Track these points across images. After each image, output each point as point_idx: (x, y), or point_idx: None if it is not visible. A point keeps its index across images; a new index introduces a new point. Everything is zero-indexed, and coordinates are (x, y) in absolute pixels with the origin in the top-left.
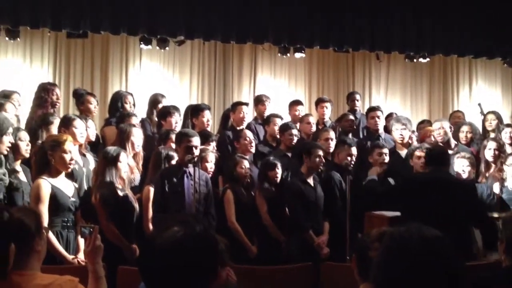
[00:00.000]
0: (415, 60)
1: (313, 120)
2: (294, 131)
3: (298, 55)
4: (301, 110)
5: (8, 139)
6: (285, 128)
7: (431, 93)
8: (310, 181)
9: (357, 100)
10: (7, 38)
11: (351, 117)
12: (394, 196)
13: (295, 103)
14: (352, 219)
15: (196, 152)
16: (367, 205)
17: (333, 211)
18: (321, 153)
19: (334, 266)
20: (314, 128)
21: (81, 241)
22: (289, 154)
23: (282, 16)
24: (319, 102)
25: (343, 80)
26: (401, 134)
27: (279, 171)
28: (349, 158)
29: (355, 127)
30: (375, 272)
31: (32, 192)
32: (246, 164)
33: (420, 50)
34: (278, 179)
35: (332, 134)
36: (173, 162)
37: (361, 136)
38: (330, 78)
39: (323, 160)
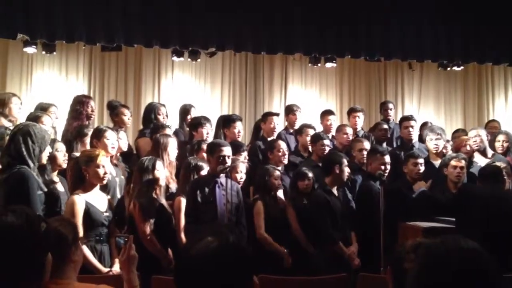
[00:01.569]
0: (448, 69)
1: (350, 131)
2: (326, 142)
3: (329, 65)
4: (333, 120)
5: (48, 151)
6: (317, 138)
7: (466, 102)
8: (335, 191)
9: (391, 110)
10: (43, 52)
11: (385, 126)
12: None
13: (326, 113)
14: (386, 229)
15: (228, 162)
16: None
17: (372, 222)
18: (346, 164)
19: (369, 277)
20: (350, 139)
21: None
22: (321, 165)
23: (313, 26)
24: (351, 111)
25: (374, 90)
26: (435, 144)
27: (309, 181)
28: (382, 167)
29: (388, 136)
30: (411, 284)
31: (66, 208)
32: (278, 175)
33: (453, 58)
34: (309, 189)
35: (366, 145)
36: (203, 172)
37: (394, 145)
38: (362, 88)
39: (348, 172)
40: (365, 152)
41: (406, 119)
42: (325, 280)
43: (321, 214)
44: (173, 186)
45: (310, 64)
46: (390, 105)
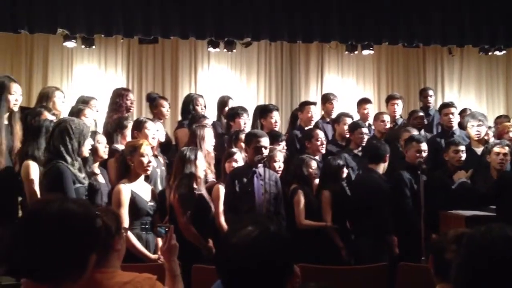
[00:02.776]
0: (490, 53)
1: (387, 118)
2: (364, 130)
3: (366, 52)
4: (370, 108)
5: (89, 143)
6: (355, 127)
7: (508, 87)
8: None
9: (430, 96)
10: (83, 46)
11: (421, 113)
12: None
13: (364, 101)
14: (426, 218)
15: (266, 152)
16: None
17: (403, 211)
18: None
19: (410, 267)
20: (388, 127)
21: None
22: (359, 153)
23: (349, 13)
24: (390, 99)
25: (413, 77)
26: (477, 131)
27: (345, 170)
28: (418, 155)
29: (425, 123)
30: (456, 274)
31: (113, 197)
32: (314, 164)
33: (495, 42)
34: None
35: (415, 131)
36: (235, 159)
37: (434, 133)
38: (400, 75)
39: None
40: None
41: (446, 106)
42: (366, 269)
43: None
44: (211, 177)
45: (346, 52)
46: (430, 92)
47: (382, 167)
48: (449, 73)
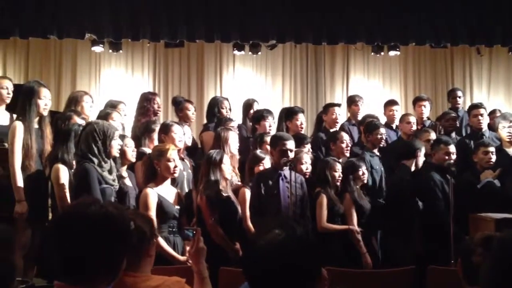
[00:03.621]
0: None
1: (413, 119)
2: (382, 130)
3: (392, 53)
4: (396, 110)
5: (117, 143)
6: (372, 127)
7: None
8: None
9: (459, 97)
10: (110, 51)
11: (454, 115)
12: None
13: (390, 103)
14: (456, 220)
15: (291, 155)
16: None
17: (435, 213)
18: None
19: (439, 270)
20: (414, 128)
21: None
22: (378, 154)
23: (375, 13)
24: (417, 100)
25: (441, 77)
26: (509, 132)
27: (366, 172)
28: (446, 157)
29: (457, 125)
30: (486, 277)
31: (140, 201)
32: (339, 167)
33: None
34: (364, 181)
35: (433, 135)
36: (263, 164)
37: (463, 134)
38: (427, 76)
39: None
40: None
41: (475, 107)
42: (393, 273)
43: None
44: (235, 180)
45: (372, 53)
46: (459, 93)
47: (413, 163)
48: (477, 73)
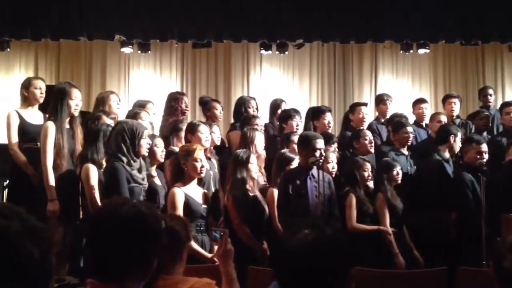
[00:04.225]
0: None
1: (444, 118)
2: (409, 129)
3: (421, 51)
4: (425, 108)
5: (146, 142)
6: (399, 126)
7: None
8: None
9: (490, 95)
10: (139, 51)
11: (486, 113)
12: None
13: (419, 101)
14: (488, 221)
15: (318, 154)
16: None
17: (465, 213)
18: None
19: (470, 271)
20: None
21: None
22: (405, 152)
23: (403, 11)
24: (447, 98)
25: (472, 75)
26: None
27: (400, 171)
28: (478, 156)
29: (490, 124)
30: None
31: (168, 200)
32: (368, 166)
33: None
34: (398, 181)
35: (459, 135)
36: (294, 164)
37: (495, 133)
38: (458, 74)
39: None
40: (459, 143)
41: (507, 104)
42: (424, 274)
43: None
44: (261, 179)
45: (401, 51)
46: (490, 91)
47: (447, 148)
48: (509, 71)
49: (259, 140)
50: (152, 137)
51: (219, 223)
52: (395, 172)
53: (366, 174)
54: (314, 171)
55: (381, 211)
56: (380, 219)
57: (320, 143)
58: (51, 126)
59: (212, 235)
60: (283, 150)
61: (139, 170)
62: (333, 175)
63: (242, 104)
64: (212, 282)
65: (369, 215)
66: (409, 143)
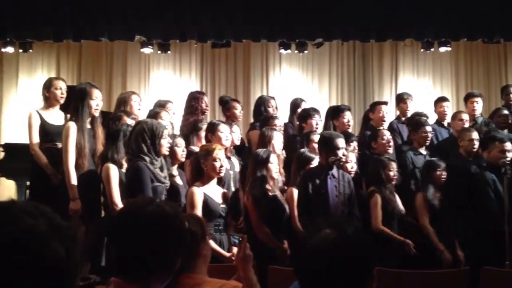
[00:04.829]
0: None
1: (466, 117)
2: (428, 128)
3: (443, 49)
4: (447, 106)
5: (166, 141)
6: (418, 125)
7: None
8: None
9: None
10: (159, 52)
11: (505, 112)
12: None
13: (441, 100)
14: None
15: (339, 153)
16: None
17: (487, 213)
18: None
19: (493, 271)
20: (466, 126)
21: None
22: (424, 152)
23: (423, 9)
24: (469, 97)
25: (494, 74)
26: None
27: (444, 172)
28: (501, 155)
29: (510, 122)
30: None
31: (187, 199)
32: (394, 166)
33: None
34: (442, 181)
35: (475, 135)
36: (313, 164)
37: None
38: (480, 72)
39: None
40: (476, 143)
41: None
42: (446, 274)
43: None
44: (280, 179)
45: (422, 50)
46: None
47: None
48: None
49: (277, 139)
50: (173, 136)
51: (239, 222)
52: (438, 172)
53: (391, 173)
54: (334, 170)
55: (419, 210)
56: (419, 218)
57: (341, 142)
58: (72, 126)
59: (231, 240)
60: (302, 150)
61: (161, 169)
62: (352, 175)
63: (262, 103)
64: (239, 285)
65: (394, 215)
66: (428, 143)
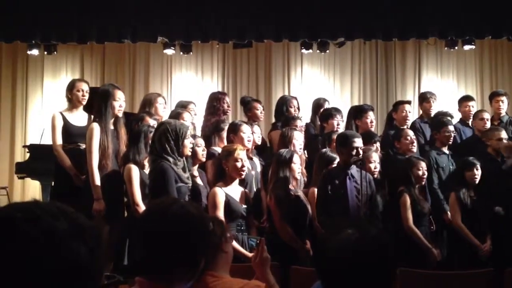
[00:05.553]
0: None
1: (487, 116)
2: (451, 128)
3: (467, 47)
4: (473, 106)
5: (189, 141)
6: (440, 125)
7: None
8: None
9: None
10: (181, 53)
11: None
12: None
13: (466, 99)
14: None
15: (360, 153)
16: None
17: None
18: None
19: None
20: (488, 125)
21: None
22: (447, 152)
23: (447, 6)
24: (494, 96)
25: None
26: None
27: (478, 172)
28: None
29: None
30: None
31: (209, 200)
32: (422, 165)
33: None
34: (477, 181)
35: (504, 134)
36: (335, 164)
37: None
38: (505, 70)
39: None
40: (505, 142)
41: None
42: (470, 275)
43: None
44: (302, 180)
45: (446, 48)
46: None
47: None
48: None
49: (298, 139)
50: (193, 137)
51: (262, 221)
52: (472, 172)
53: (420, 173)
54: (354, 170)
55: (451, 209)
56: (451, 217)
57: (358, 141)
58: (96, 127)
59: (248, 243)
60: (323, 150)
61: (184, 170)
62: (375, 175)
63: (284, 103)
64: (262, 285)
65: (424, 215)
66: (450, 142)
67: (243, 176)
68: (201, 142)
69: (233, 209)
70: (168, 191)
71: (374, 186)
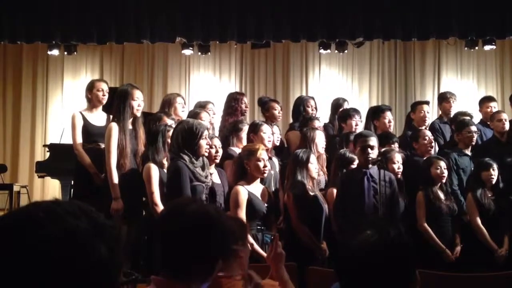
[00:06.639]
0: None
1: (505, 116)
2: (473, 128)
3: (487, 47)
4: (495, 107)
5: (205, 142)
6: (462, 125)
7: None
8: None
9: None
10: (199, 53)
11: None
12: None
13: (487, 100)
14: None
15: (374, 152)
16: None
17: None
18: None
19: None
20: (507, 126)
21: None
22: (469, 153)
23: (467, 5)
24: None
25: None
26: None
27: (494, 172)
28: None
29: None
30: None
31: (231, 198)
32: (441, 164)
33: None
34: (494, 182)
35: None
36: (354, 165)
37: None
38: None
39: None
40: None
41: None
42: (495, 277)
43: None
44: (322, 179)
45: (466, 48)
46: None
47: None
48: None
49: (320, 140)
50: (210, 137)
51: (279, 222)
52: (488, 172)
53: (439, 171)
54: (373, 171)
55: (469, 210)
56: (469, 218)
57: (371, 140)
58: (114, 127)
59: (263, 239)
60: (342, 150)
61: (202, 168)
62: (399, 176)
63: (301, 103)
64: (276, 284)
65: (443, 215)
66: (473, 143)
67: (265, 175)
68: (216, 142)
69: (255, 208)
70: (182, 190)
71: (396, 186)
